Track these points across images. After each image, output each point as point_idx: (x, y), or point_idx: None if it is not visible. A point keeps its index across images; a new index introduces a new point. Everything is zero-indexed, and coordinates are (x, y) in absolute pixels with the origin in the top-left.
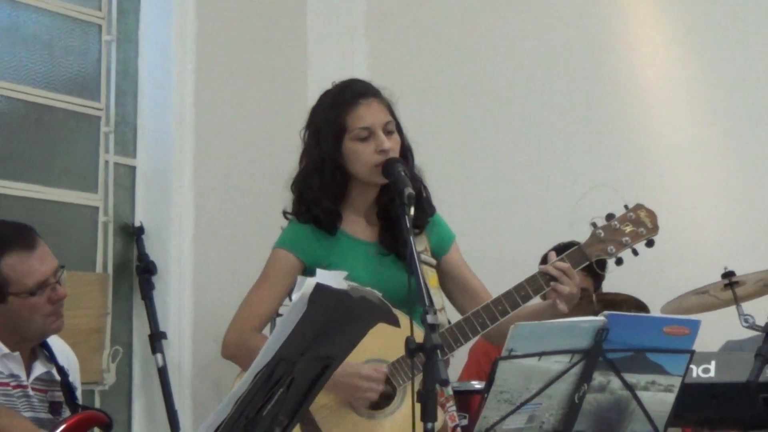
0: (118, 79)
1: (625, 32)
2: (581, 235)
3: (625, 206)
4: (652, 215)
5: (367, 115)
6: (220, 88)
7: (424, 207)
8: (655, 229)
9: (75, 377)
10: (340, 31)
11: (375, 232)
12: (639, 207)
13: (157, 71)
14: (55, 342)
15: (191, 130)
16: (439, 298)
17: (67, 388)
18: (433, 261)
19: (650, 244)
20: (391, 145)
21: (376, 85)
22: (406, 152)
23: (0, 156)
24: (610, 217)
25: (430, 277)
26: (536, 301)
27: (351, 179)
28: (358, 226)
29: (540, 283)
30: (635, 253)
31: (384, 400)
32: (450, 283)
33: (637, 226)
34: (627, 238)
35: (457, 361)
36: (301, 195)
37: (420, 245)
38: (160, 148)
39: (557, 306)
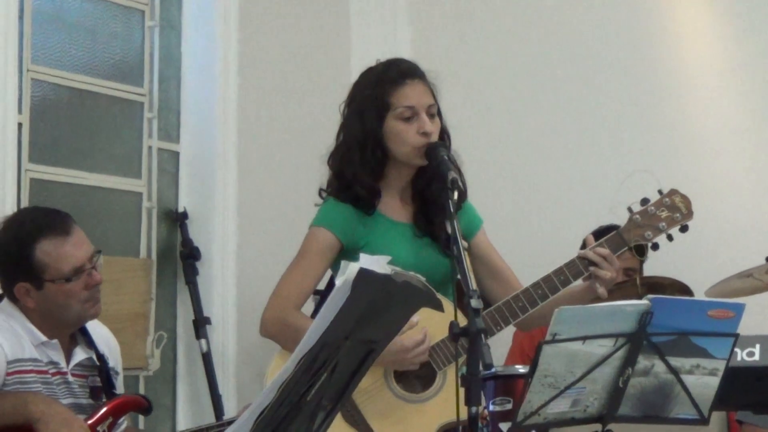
0: (162, 65)
1: (668, 18)
2: (620, 220)
3: (660, 191)
4: (686, 200)
5: (413, 95)
6: (264, 74)
7: (461, 192)
8: (689, 214)
9: (116, 363)
10: (383, 15)
11: (409, 213)
12: (674, 192)
13: (199, 57)
14: (95, 328)
15: (234, 115)
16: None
17: (106, 374)
18: (465, 243)
19: (684, 229)
20: (433, 128)
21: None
22: (443, 136)
23: (44, 142)
24: (645, 202)
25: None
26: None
27: (389, 158)
28: (393, 207)
29: (579, 267)
30: (670, 238)
31: (425, 384)
32: (478, 266)
33: (673, 212)
34: (663, 224)
35: (500, 345)
36: (341, 171)
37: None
38: (204, 133)
39: (596, 290)
